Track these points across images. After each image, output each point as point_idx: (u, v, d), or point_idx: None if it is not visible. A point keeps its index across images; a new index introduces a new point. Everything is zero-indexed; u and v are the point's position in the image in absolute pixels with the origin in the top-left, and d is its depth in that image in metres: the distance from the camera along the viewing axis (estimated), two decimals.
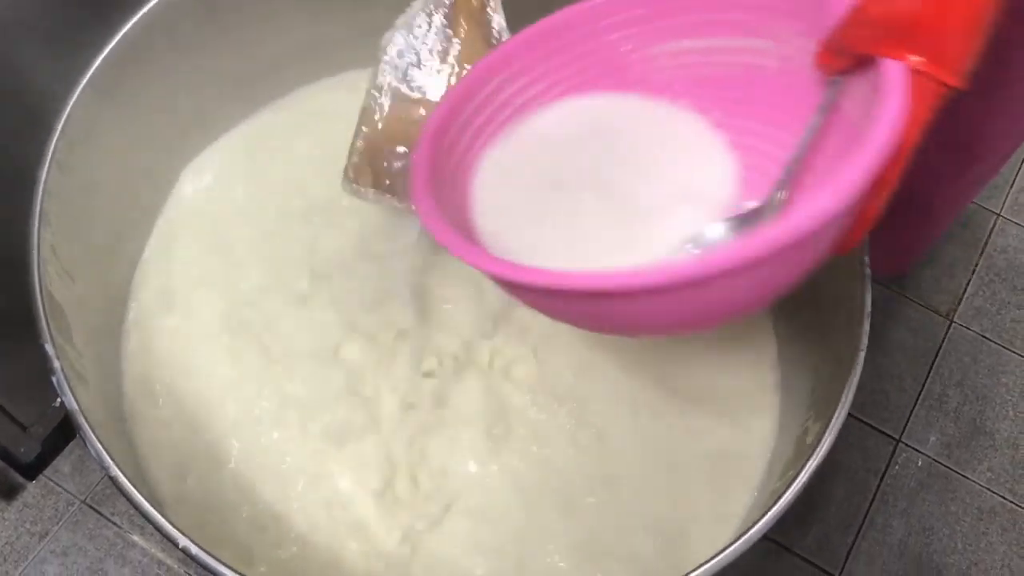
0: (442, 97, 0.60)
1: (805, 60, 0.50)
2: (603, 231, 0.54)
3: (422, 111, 0.63)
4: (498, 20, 0.63)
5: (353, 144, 0.65)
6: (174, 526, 0.51)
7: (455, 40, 0.63)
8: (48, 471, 0.98)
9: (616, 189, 0.55)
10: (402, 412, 0.67)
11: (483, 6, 0.63)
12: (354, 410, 0.67)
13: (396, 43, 0.63)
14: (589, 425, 0.68)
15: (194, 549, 0.50)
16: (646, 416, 0.69)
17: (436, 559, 0.64)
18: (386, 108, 0.63)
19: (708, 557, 0.52)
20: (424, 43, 0.63)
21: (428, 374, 0.69)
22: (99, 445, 0.52)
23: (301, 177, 0.79)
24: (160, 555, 0.95)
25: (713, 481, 0.67)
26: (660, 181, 0.55)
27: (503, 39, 0.63)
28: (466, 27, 0.63)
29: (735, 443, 0.69)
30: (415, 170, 0.51)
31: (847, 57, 0.47)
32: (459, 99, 0.55)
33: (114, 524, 0.95)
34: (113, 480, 0.52)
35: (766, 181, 0.52)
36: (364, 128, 0.64)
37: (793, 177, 0.50)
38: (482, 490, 0.66)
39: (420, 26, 0.63)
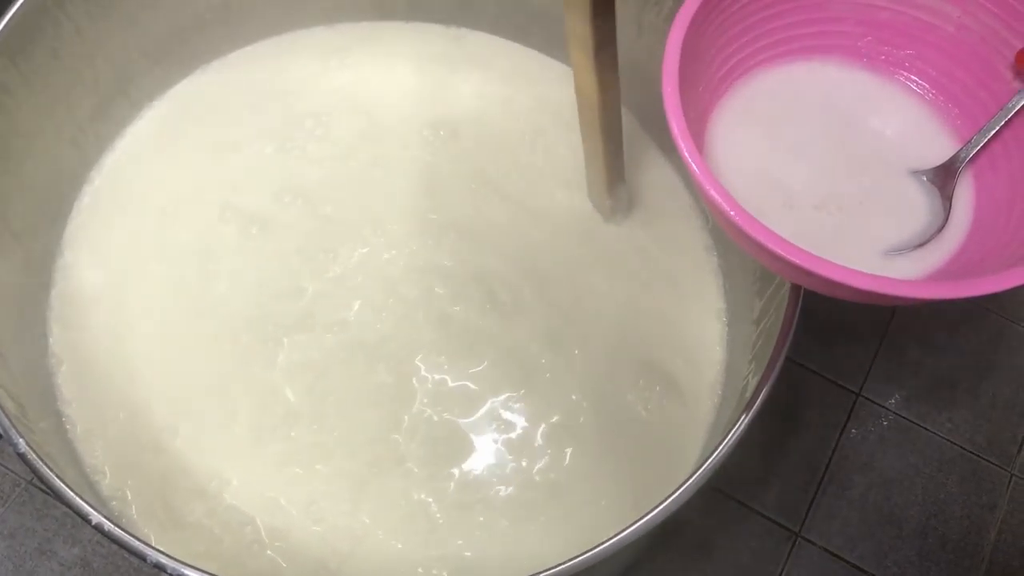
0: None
1: (984, 34, 0.53)
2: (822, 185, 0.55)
3: None
4: None
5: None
6: (87, 503, 0.49)
7: None
8: None
9: (840, 161, 0.56)
10: None
11: None
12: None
13: None
14: None
15: (107, 526, 0.48)
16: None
17: None
18: None
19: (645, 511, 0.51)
20: None
21: None
22: (6, 420, 0.50)
23: (236, 147, 0.76)
24: None
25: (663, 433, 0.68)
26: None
27: None
28: None
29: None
30: (668, 57, 0.49)
31: None
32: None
33: (63, 504, 0.93)
34: (22, 457, 0.50)
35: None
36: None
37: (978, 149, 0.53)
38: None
39: None
